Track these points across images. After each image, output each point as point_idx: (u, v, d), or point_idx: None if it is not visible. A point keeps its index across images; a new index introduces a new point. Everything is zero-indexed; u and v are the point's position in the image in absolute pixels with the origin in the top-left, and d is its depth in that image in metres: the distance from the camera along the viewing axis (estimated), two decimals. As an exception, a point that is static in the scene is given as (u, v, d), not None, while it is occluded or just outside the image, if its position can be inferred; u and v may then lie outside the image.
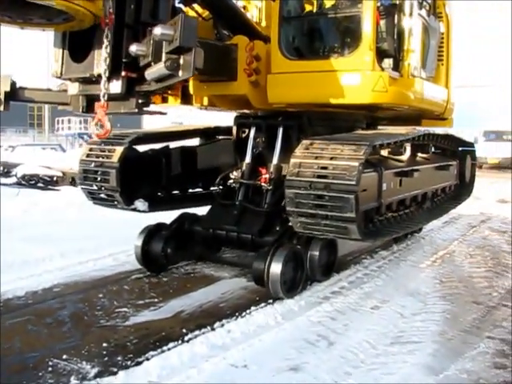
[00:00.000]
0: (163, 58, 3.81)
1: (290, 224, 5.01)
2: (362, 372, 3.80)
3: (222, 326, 4.50)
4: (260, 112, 6.15)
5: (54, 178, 13.00)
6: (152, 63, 3.96)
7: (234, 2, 5.88)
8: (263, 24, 6.36)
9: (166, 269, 6.04)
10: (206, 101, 5.91)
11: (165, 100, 5.74)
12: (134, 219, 6.49)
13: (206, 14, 5.60)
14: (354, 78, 5.21)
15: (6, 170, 13.58)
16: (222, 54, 5.21)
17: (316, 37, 6.00)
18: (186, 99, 5.80)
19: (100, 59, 4.05)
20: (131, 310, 4.88)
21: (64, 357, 3.88)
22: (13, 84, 4.73)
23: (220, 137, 7.06)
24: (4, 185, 12.12)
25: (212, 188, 6.62)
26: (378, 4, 5.40)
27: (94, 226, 7.79)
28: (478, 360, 4.04)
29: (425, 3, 6.02)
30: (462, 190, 8.26)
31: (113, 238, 7.10)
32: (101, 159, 5.79)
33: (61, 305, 4.96)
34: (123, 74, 4.19)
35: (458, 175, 8.08)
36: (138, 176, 5.93)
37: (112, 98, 4.16)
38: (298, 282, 5.31)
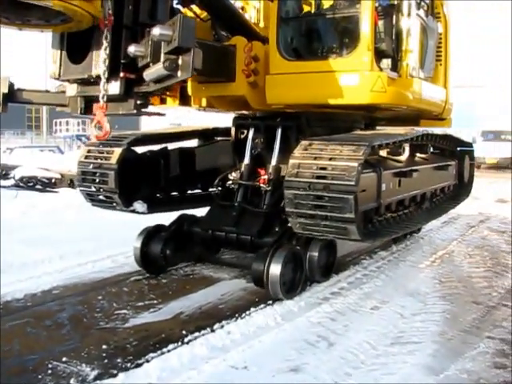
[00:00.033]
0: (162, 59, 3.79)
1: (289, 225, 5.02)
2: (362, 372, 3.80)
3: (222, 327, 4.49)
4: (258, 113, 6.15)
5: (53, 180, 12.97)
6: (150, 64, 3.94)
7: (232, 3, 5.88)
8: (261, 25, 6.35)
9: (165, 270, 6.03)
10: (204, 102, 5.89)
11: (163, 101, 5.72)
12: (133, 221, 6.49)
13: (204, 15, 5.61)
14: (353, 78, 5.21)
15: (4, 172, 13.52)
16: (220, 55, 5.19)
17: (314, 37, 6.00)
18: (185, 100, 5.78)
19: (98, 60, 4.04)
20: (131, 311, 4.87)
21: (63, 359, 3.86)
22: (11, 85, 4.72)
23: (218, 138, 7.04)
24: (2, 187, 12.07)
25: (211, 189, 6.60)
26: (376, 4, 5.41)
27: (92, 228, 7.78)
28: (478, 360, 4.04)
29: (423, 3, 6.03)
30: (461, 190, 8.27)
31: (111, 239, 7.10)
32: (99, 161, 5.78)
33: (60, 307, 4.95)
34: (122, 74, 4.18)
35: (457, 175, 8.08)
36: (137, 177, 5.92)
37: (110, 99, 4.14)
38: (298, 282, 5.30)
